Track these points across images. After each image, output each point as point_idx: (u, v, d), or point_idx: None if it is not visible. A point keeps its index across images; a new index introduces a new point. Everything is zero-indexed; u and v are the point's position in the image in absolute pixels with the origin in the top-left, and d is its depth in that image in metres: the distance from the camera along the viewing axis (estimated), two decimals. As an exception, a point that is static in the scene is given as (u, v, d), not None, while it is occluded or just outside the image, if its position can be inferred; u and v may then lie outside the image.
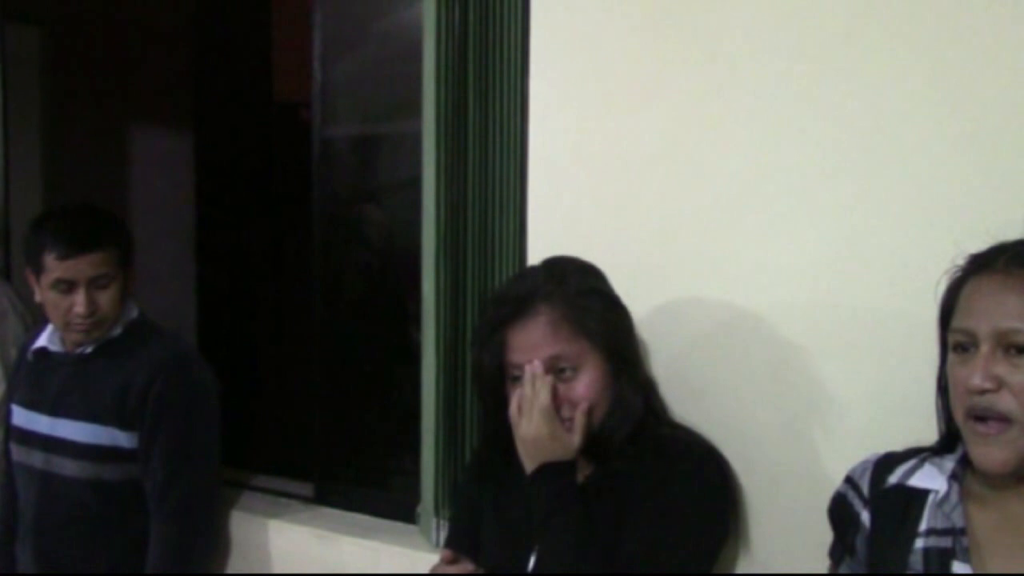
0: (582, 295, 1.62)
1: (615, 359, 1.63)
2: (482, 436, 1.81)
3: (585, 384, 1.61)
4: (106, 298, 2.28)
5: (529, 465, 1.61)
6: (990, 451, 1.25)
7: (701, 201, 1.80)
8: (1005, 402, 1.23)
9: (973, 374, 1.24)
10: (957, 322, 1.29)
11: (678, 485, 1.59)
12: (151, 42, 4.15)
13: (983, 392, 1.24)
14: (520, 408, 1.61)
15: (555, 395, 1.59)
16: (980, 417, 1.26)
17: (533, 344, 1.60)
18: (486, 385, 1.68)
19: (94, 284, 2.26)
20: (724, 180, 1.77)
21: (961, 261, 1.33)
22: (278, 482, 2.75)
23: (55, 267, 2.24)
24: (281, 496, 2.68)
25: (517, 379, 1.63)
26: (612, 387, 1.63)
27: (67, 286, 2.25)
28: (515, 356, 1.62)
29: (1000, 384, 1.23)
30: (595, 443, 1.63)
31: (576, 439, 1.59)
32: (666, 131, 1.83)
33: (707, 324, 1.80)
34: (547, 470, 1.59)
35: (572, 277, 1.65)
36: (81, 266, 2.24)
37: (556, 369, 1.60)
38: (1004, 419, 1.23)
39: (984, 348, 1.24)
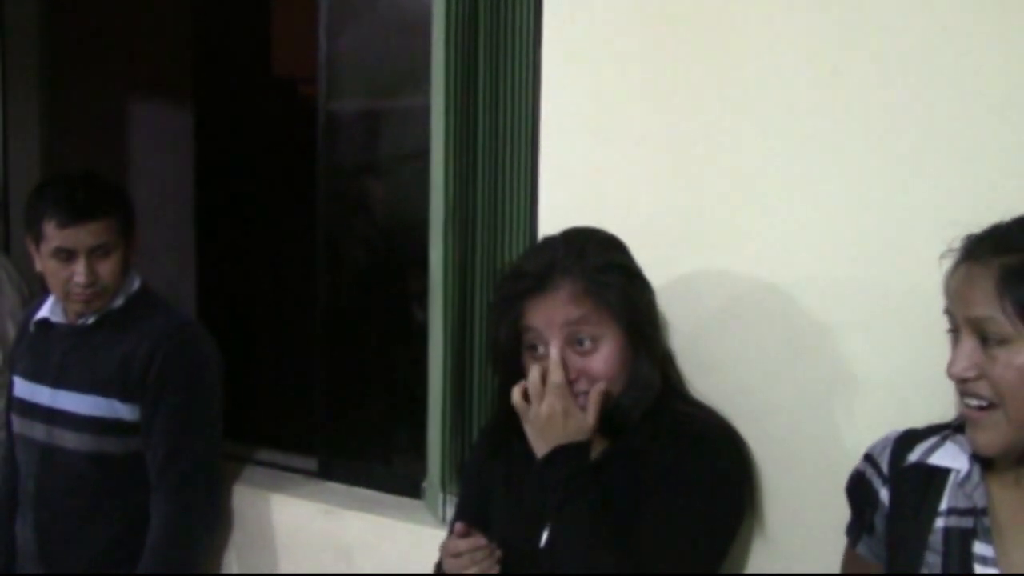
0: (602, 269, 1.59)
1: (634, 334, 1.60)
2: (496, 409, 1.78)
3: (603, 358, 1.58)
4: (107, 268, 2.25)
5: (541, 447, 1.58)
6: (978, 434, 1.26)
7: (718, 173, 1.78)
8: (985, 390, 1.24)
9: (952, 363, 1.26)
10: (945, 305, 1.30)
11: (695, 466, 1.57)
12: (150, 13, 4.11)
13: (964, 381, 1.24)
14: (527, 393, 1.58)
15: (571, 368, 1.57)
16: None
17: (552, 313, 1.57)
18: (502, 357, 1.66)
19: (94, 253, 2.23)
20: (742, 151, 1.75)
21: (957, 244, 1.32)
22: (281, 456, 2.74)
23: (55, 235, 2.21)
24: (285, 470, 2.66)
25: (534, 348, 1.60)
26: (630, 363, 1.60)
27: (67, 255, 2.22)
28: (531, 320, 1.59)
29: (980, 373, 1.23)
30: (610, 420, 1.60)
31: (590, 419, 1.57)
32: (682, 102, 1.81)
33: (724, 298, 1.78)
34: (560, 453, 1.56)
35: (593, 250, 1.61)
36: (81, 235, 2.21)
37: (575, 340, 1.58)
38: (989, 403, 1.24)
39: (964, 336, 1.25)
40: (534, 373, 1.57)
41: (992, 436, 1.24)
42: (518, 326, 1.61)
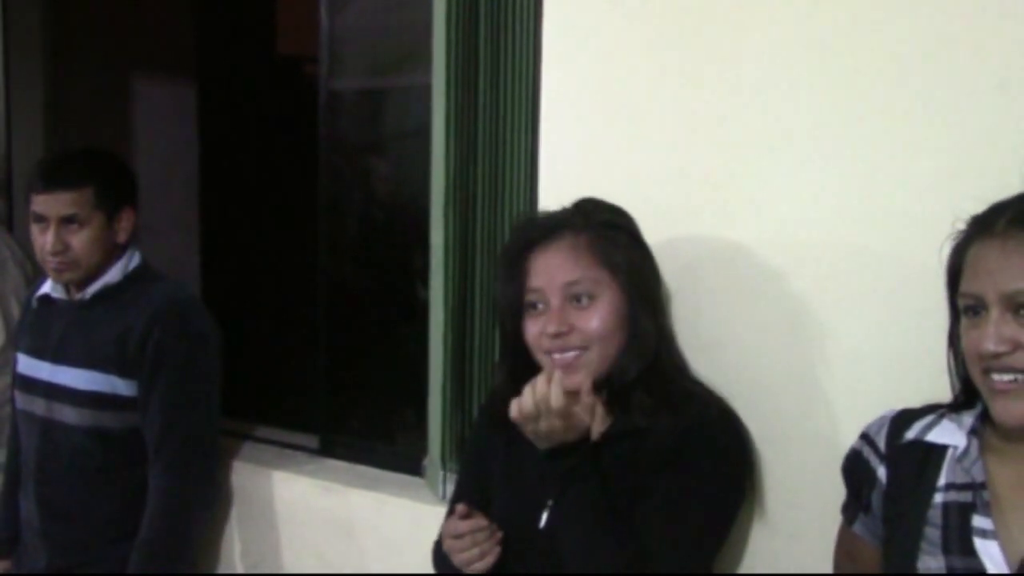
0: (608, 228, 1.62)
1: (634, 295, 1.61)
2: (500, 374, 1.77)
3: (599, 316, 1.58)
4: (78, 240, 2.26)
5: (541, 444, 1.59)
6: (1009, 404, 1.24)
7: (717, 150, 1.77)
8: (1021, 361, 1.23)
9: (986, 339, 1.24)
10: (965, 286, 1.28)
11: (695, 449, 1.57)
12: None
13: (998, 356, 1.23)
14: (524, 411, 1.55)
15: (565, 322, 1.58)
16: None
17: (553, 268, 1.59)
18: (506, 317, 1.67)
19: (66, 223, 2.25)
20: (741, 127, 1.74)
21: (962, 225, 1.32)
22: (283, 434, 2.75)
23: (33, 200, 2.27)
24: (286, 448, 2.68)
25: (534, 306, 1.62)
26: (628, 323, 1.61)
27: (42, 222, 2.26)
28: (533, 281, 1.61)
29: (1015, 346, 1.22)
30: (612, 388, 1.61)
31: (587, 420, 1.58)
32: (682, 77, 1.80)
33: (723, 277, 1.78)
34: (562, 449, 1.57)
35: (600, 213, 1.65)
36: (51, 203, 2.24)
37: (572, 296, 1.59)
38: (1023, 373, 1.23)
39: (994, 312, 1.24)
40: (527, 397, 1.54)
41: None
42: (522, 287, 1.62)
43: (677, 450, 1.56)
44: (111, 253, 2.33)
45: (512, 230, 1.74)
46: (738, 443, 1.64)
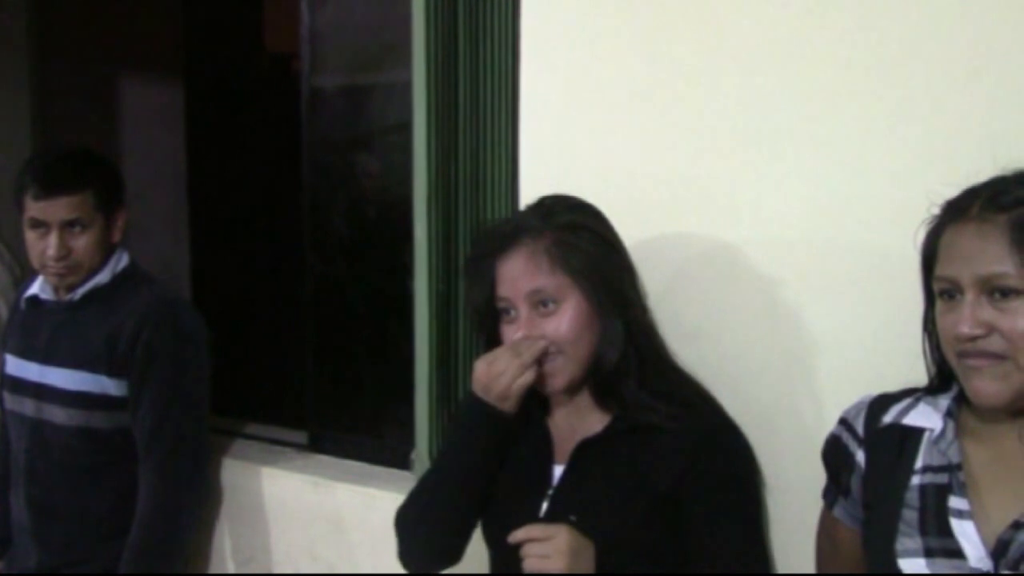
0: (567, 230, 1.60)
1: (600, 294, 1.60)
2: None
3: (564, 320, 1.58)
4: (81, 243, 2.26)
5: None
6: (984, 383, 1.26)
7: (695, 140, 1.78)
8: (995, 345, 1.24)
9: (961, 323, 1.25)
10: (940, 270, 1.30)
11: (726, 492, 1.60)
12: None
13: (974, 339, 1.24)
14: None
15: (533, 329, 1.58)
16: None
17: (515, 277, 1.59)
18: (480, 321, 1.68)
19: (67, 227, 2.24)
20: (718, 118, 1.75)
21: (936, 210, 1.33)
22: (272, 430, 2.76)
23: (31, 207, 2.24)
24: (275, 444, 2.69)
25: (507, 312, 1.62)
26: (596, 321, 1.60)
27: (42, 227, 2.24)
28: (500, 289, 1.62)
29: (990, 329, 1.24)
30: (597, 385, 1.62)
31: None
32: (660, 68, 1.81)
33: (701, 264, 1.79)
34: None
35: (561, 213, 1.63)
36: (53, 208, 2.22)
37: (537, 302, 1.59)
38: (997, 356, 1.24)
39: (969, 295, 1.25)
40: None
41: (1002, 386, 1.24)
42: (492, 293, 1.63)
43: (707, 494, 1.58)
44: (108, 254, 2.33)
45: (473, 240, 1.74)
46: (753, 462, 1.68)
